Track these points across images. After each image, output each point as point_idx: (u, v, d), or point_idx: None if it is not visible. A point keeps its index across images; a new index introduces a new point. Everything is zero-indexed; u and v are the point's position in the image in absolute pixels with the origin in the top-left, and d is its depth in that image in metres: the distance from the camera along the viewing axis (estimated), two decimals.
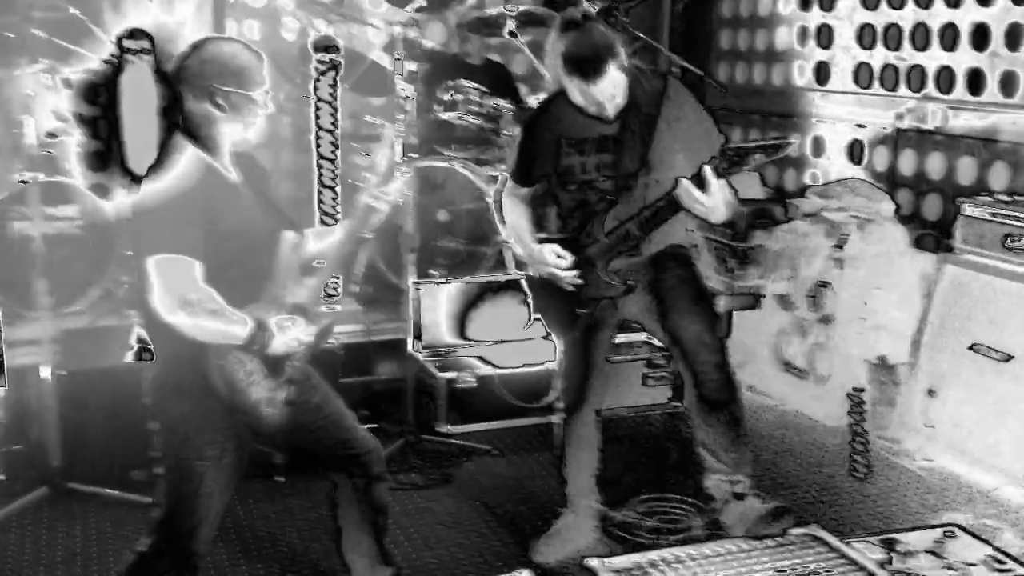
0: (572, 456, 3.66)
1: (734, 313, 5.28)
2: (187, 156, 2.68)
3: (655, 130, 3.29)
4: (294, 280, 2.84)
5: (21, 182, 4.52)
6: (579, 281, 3.38)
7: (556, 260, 3.36)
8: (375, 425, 4.64)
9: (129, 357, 4.24)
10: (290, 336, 2.70)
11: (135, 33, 4.64)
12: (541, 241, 3.47)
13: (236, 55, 2.71)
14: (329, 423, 2.95)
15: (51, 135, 4.68)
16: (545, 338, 4.76)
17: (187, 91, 2.69)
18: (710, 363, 3.37)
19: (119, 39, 4.66)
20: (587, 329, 3.47)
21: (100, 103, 5.04)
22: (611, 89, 3.17)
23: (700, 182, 3.05)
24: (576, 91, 3.20)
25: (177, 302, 2.54)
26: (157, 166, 2.68)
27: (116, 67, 4.70)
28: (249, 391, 2.68)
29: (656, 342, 4.37)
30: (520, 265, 3.63)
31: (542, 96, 3.55)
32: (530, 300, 3.64)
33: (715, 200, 3.08)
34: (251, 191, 2.83)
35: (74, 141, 4.94)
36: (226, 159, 2.76)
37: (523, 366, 4.69)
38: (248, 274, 2.73)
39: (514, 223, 3.51)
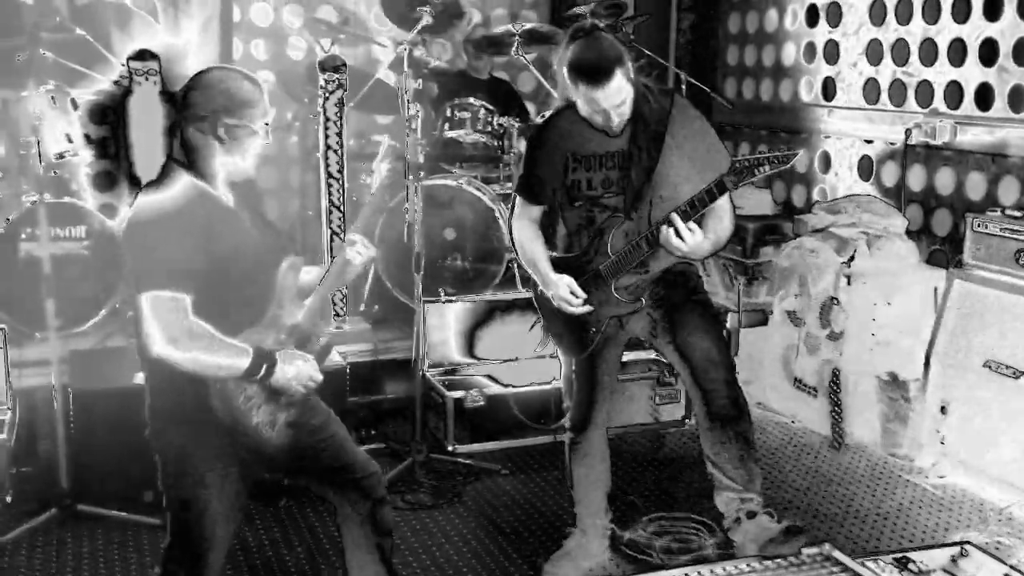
0: (582, 475, 3.63)
1: (742, 330, 5.26)
2: (182, 184, 2.67)
3: (662, 147, 3.29)
4: (292, 302, 2.82)
5: (30, 203, 4.53)
6: (589, 310, 3.37)
7: (569, 296, 3.35)
8: (383, 444, 4.65)
9: (138, 378, 4.23)
10: (294, 372, 2.68)
11: (143, 55, 4.67)
12: (551, 260, 3.45)
13: (239, 87, 2.70)
14: (330, 446, 2.92)
15: (59, 156, 4.69)
16: (553, 356, 4.75)
17: (188, 120, 2.69)
18: (719, 380, 3.37)
19: (128, 61, 4.68)
20: (596, 348, 3.45)
21: (108, 124, 5.07)
22: (617, 97, 3.17)
23: (676, 232, 3.09)
24: (582, 99, 3.20)
25: (169, 338, 2.52)
26: (149, 191, 2.67)
27: (125, 89, 4.72)
28: (250, 415, 2.66)
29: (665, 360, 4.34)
30: (527, 283, 3.62)
31: (548, 113, 3.54)
32: (540, 319, 3.62)
33: (693, 243, 3.11)
34: (248, 214, 2.82)
35: (82, 162, 4.96)
36: (222, 186, 2.75)
37: (531, 385, 4.67)
38: (247, 298, 2.71)
39: (527, 249, 3.49)
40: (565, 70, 3.20)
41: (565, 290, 3.36)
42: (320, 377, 2.76)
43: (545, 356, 4.83)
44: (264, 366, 2.62)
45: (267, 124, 2.76)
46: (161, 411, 2.75)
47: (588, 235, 3.39)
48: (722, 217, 3.27)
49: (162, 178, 2.70)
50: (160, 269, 2.55)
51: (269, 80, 6.13)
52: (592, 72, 3.13)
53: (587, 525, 3.66)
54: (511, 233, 3.55)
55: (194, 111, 2.67)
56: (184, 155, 2.71)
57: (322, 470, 2.92)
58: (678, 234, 3.09)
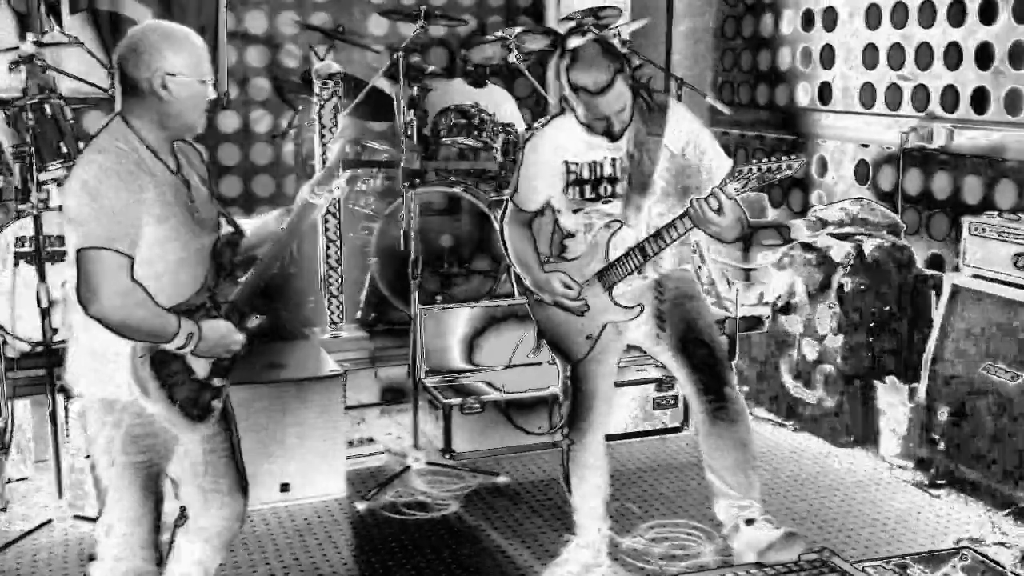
0: (580, 483, 3.62)
1: (739, 335, 5.25)
2: (122, 142, 2.56)
3: (659, 152, 3.29)
4: (227, 277, 2.76)
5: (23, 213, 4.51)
6: (586, 308, 3.36)
7: (563, 290, 3.35)
8: (381, 451, 4.63)
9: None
10: (220, 340, 2.63)
11: None
12: (545, 266, 3.45)
13: (181, 39, 2.61)
14: (224, 458, 2.85)
15: (55, 166, 4.67)
16: (551, 362, 4.75)
17: (132, 73, 2.57)
18: (718, 386, 3.35)
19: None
20: (593, 354, 3.44)
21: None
22: (617, 103, 3.16)
23: (714, 206, 3.05)
24: (582, 106, 3.18)
25: (103, 297, 2.44)
26: (91, 145, 2.58)
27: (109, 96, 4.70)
28: (173, 391, 2.59)
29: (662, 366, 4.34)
30: (524, 290, 3.60)
31: (545, 119, 3.54)
32: (535, 326, 3.61)
33: (728, 219, 3.08)
34: (191, 179, 2.73)
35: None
36: (164, 145, 2.65)
37: (529, 391, 4.66)
38: (180, 268, 2.62)
39: (519, 250, 3.49)
40: (563, 77, 3.19)
41: (558, 284, 3.34)
42: (241, 339, 2.69)
43: (542, 363, 4.83)
44: (189, 334, 2.55)
45: (212, 80, 2.66)
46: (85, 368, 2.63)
47: (585, 242, 3.38)
48: (739, 206, 3.22)
49: (103, 132, 2.60)
50: (96, 226, 2.45)
51: (264, 88, 6.13)
52: (591, 79, 3.12)
53: (585, 532, 3.64)
54: (502, 235, 3.55)
55: (135, 65, 2.56)
56: (126, 111, 2.60)
57: (205, 475, 2.82)
58: (719, 209, 3.03)
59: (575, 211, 3.38)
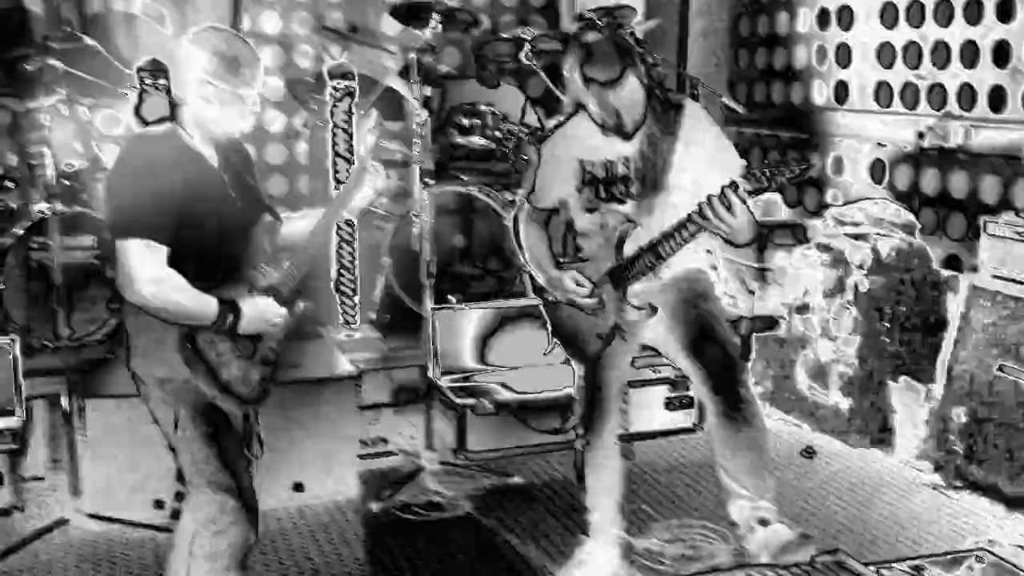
0: (594, 483, 3.61)
1: (754, 335, 5.22)
2: (165, 135, 2.74)
3: (673, 152, 3.27)
4: (269, 263, 2.89)
5: (39, 213, 4.53)
6: (599, 306, 3.34)
7: (576, 288, 3.34)
8: (394, 452, 4.63)
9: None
10: (260, 315, 2.76)
11: (152, 64, 4.67)
12: (559, 265, 3.44)
13: (233, 49, 2.74)
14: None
15: (69, 166, 4.69)
16: (565, 363, 4.74)
17: (175, 77, 2.75)
18: (732, 387, 3.32)
19: (137, 70, 4.68)
20: (606, 354, 3.42)
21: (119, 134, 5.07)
22: (630, 97, 3.15)
23: (726, 204, 3.03)
24: (595, 100, 3.17)
25: (139, 284, 2.61)
26: (137, 138, 2.78)
27: (136, 98, 4.72)
28: (220, 370, 2.74)
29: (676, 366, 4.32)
30: (538, 290, 3.60)
31: (558, 119, 3.54)
32: (548, 326, 3.60)
33: (740, 222, 3.06)
34: (231, 173, 2.87)
35: (93, 172, 4.96)
36: (206, 141, 2.80)
37: (543, 392, 4.64)
38: (222, 255, 2.77)
39: (532, 248, 3.48)
40: (576, 73, 3.18)
41: (571, 283, 3.34)
42: (283, 312, 2.84)
43: (555, 363, 4.81)
44: (230, 315, 2.71)
45: (255, 90, 2.78)
46: (146, 371, 2.80)
47: (599, 242, 3.36)
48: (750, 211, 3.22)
49: (148, 127, 2.80)
50: (137, 218, 2.62)
51: (278, 88, 6.14)
52: (604, 73, 3.11)
53: (599, 533, 3.63)
54: (516, 234, 3.54)
55: (186, 68, 2.71)
56: (171, 108, 2.77)
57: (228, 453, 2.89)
58: (729, 206, 3.00)
59: (589, 211, 3.37)
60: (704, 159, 3.29)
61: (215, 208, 2.77)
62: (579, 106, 3.35)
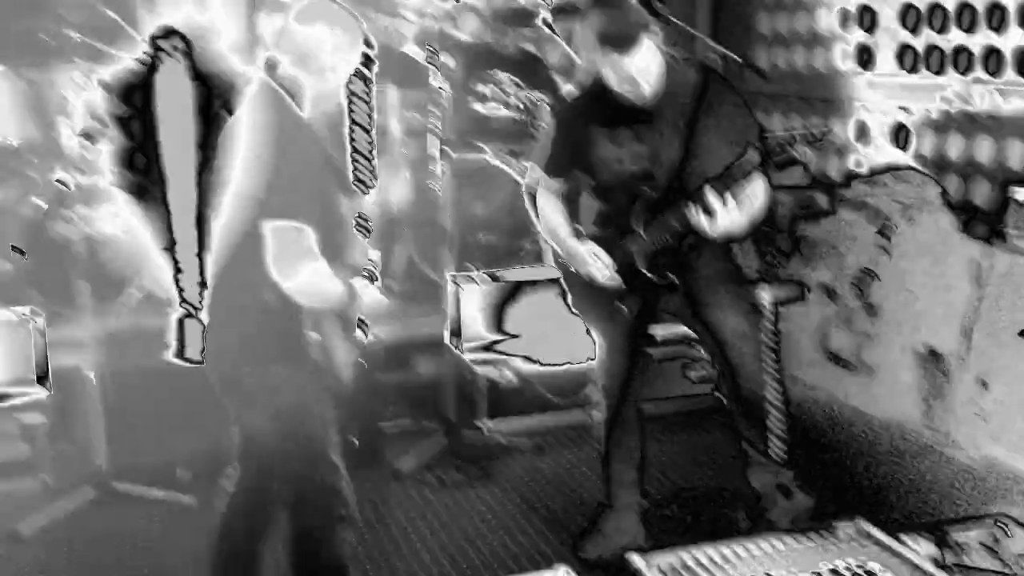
0: (614, 452, 3.61)
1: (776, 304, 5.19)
2: (295, 114, 2.67)
3: (695, 120, 3.23)
4: (352, 238, 2.89)
5: (57, 182, 4.54)
6: (616, 280, 3.32)
7: (595, 261, 3.31)
8: (414, 421, 4.65)
9: (170, 356, 4.25)
10: (371, 297, 2.79)
11: (169, 32, 4.64)
12: (578, 235, 3.42)
13: (339, 27, 2.75)
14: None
15: (87, 136, 4.69)
16: (587, 333, 4.73)
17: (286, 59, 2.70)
18: (750, 355, 3.33)
19: (153, 38, 4.66)
20: (626, 323, 3.40)
21: (134, 103, 5.05)
22: (645, 63, 3.10)
23: (706, 208, 3.01)
24: (610, 67, 3.13)
25: (294, 269, 2.54)
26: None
27: (150, 66, 4.70)
28: (334, 352, 2.73)
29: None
30: (557, 260, 3.57)
31: (575, 89, 3.50)
32: (568, 295, 3.58)
33: (724, 221, 3.02)
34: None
35: (110, 141, 4.95)
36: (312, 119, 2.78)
37: (566, 362, 4.63)
38: (332, 230, 2.72)
39: (550, 220, 3.46)
40: (591, 37, 3.14)
41: (590, 256, 3.32)
42: (384, 300, 2.92)
43: (577, 334, 4.79)
44: (352, 298, 2.71)
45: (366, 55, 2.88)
46: (263, 348, 2.73)
47: (617, 212, 3.34)
48: (756, 195, 3.19)
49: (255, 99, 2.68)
50: (286, 198, 2.55)
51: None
52: (618, 39, 3.07)
53: (619, 501, 3.63)
54: (534, 205, 3.51)
55: (302, 46, 2.67)
56: (281, 80, 2.69)
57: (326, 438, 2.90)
58: (708, 212, 3.00)
59: (606, 181, 3.34)
60: (724, 129, 3.24)
61: (333, 188, 2.76)
62: (596, 76, 3.31)
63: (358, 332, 2.83)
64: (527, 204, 3.56)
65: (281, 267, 2.55)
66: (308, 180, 2.60)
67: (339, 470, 2.78)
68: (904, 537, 3.25)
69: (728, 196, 3.00)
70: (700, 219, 3.04)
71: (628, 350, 3.50)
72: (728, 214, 3.02)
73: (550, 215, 3.45)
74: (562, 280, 3.57)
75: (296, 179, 2.57)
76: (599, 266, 3.32)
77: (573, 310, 3.62)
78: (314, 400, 2.75)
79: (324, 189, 2.69)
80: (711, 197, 3.00)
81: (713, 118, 3.24)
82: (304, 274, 2.56)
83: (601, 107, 3.30)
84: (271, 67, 2.71)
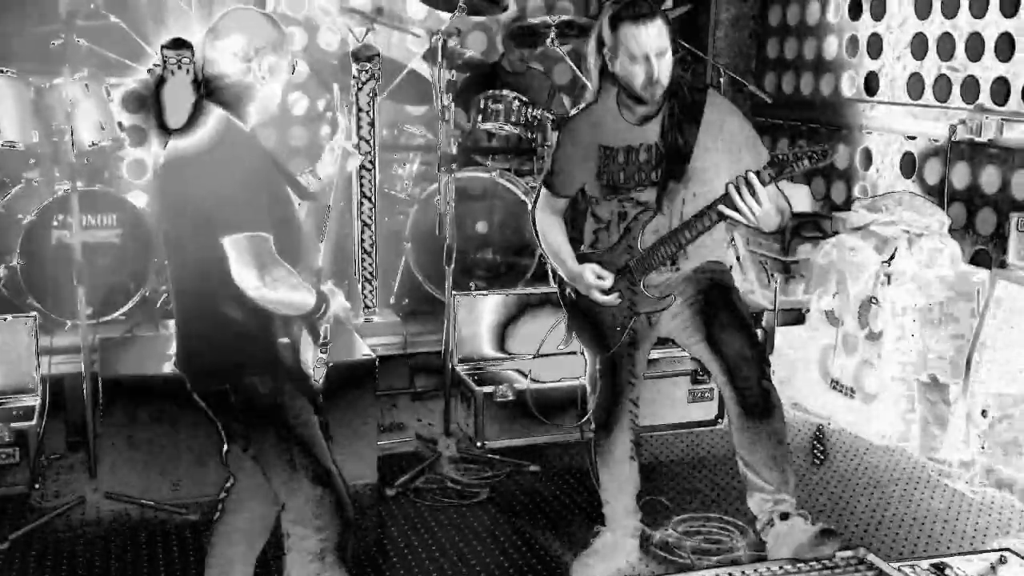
0: (608, 477, 3.57)
1: (778, 328, 5.16)
2: (227, 125, 2.65)
3: (696, 141, 3.22)
4: (314, 244, 2.90)
5: (62, 190, 4.53)
6: (618, 301, 3.31)
7: (596, 281, 3.30)
8: (411, 438, 4.61)
9: (167, 366, 4.22)
10: (338, 304, 2.75)
11: (177, 43, 4.64)
12: (579, 256, 3.40)
13: (271, 24, 2.73)
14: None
15: (92, 144, 4.68)
16: (582, 352, 4.70)
17: (227, 59, 2.67)
18: (752, 379, 3.28)
19: (161, 48, 4.66)
20: (623, 346, 3.38)
21: (143, 112, 5.06)
22: (659, 43, 3.10)
23: (750, 190, 2.99)
24: (622, 47, 3.11)
25: (260, 277, 2.54)
26: (192, 134, 2.65)
27: (159, 77, 4.70)
28: (303, 354, 2.75)
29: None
30: (558, 281, 3.55)
31: (581, 105, 3.50)
32: (566, 317, 3.55)
33: (765, 207, 3.02)
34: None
35: (115, 150, 4.95)
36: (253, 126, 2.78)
37: (563, 380, 4.61)
38: (289, 239, 2.72)
39: (551, 240, 3.44)
40: (606, 22, 3.16)
41: (591, 276, 3.30)
42: (348, 305, 2.84)
43: (576, 352, 4.77)
44: (323, 304, 2.69)
45: (294, 62, 2.79)
46: (238, 363, 2.71)
47: (618, 230, 3.33)
48: (787, 196, 3.22)
49: (198, 120, 2.66)
50: (242, 212, 2.56)
51: (303, 70, 6.11)
52: (634, 7, 3.09)
53: (616, 525, 3.60)
54: (534, 223, 3.50)
55: (236, 49, 2.66)
56: (218, 96, 2.68)
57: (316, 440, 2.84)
58: (752, 191, 2.98)
59: (608, 198, 3.33)
60: (727, 149, 3.24)
61: (285, 193, 2.75)
62: (601, 92, 3.32)
63: (322, 345, 2.80)
64: (530, 222, 3.53)
65: (248, 278, 2.55)
66: (260, 189, 2.61)
67: (333, 475, 2.75)
68: (904, 567, 3.22)
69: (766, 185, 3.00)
70: (746, 197, 3.00)
71: (623, 374, 3.45)
72: (771, 201, 3.02)
73: (550, 234, 3.44)
74: (561, 300, 3.54)
75: (248, 190, 2.58)
76: (601, 285, 3.29)
77: (569, 331, 3.60)
78: (295, 405, 2.73)
79: (277, 195, 2.70)
80: (753, 178, 2.99)
81: (717, 139, 3.24)
82: (272, 282, 2.56)
83: (605, 123, 3.29)
84: (207, 83, 2.70)
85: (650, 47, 3.09)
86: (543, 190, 3.47)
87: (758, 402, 3.27)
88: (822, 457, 4.04)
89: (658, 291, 3.32)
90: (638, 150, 3.26)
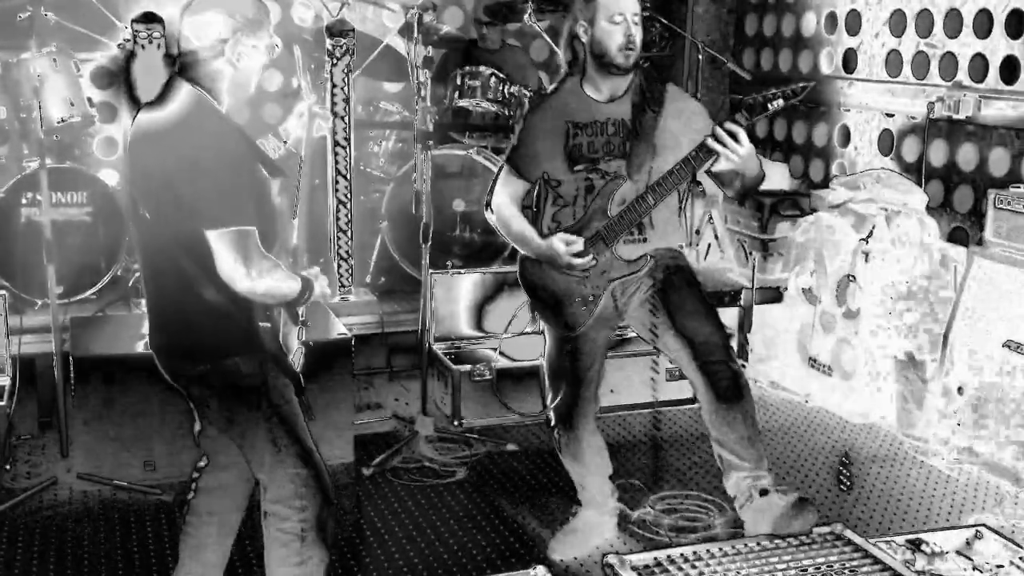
0: (582, 467, 3.58)
1: (756, 307, 5.16)
2: (208, 106, 2.59)
3: (659, 125, 3.28)
4: (288, 221, 2.81)
5: (31, 167, 4.45)
6: (592, 263, 3.28)
7: (566, 248, 3.26)
8: (388, 418, 4.59)
9: (140, 346, 4.17)
10: (320, 290, 2.72)
11: (147, 17, 4.56)
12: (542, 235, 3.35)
13: (252, 6, 2.66)
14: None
15: (61, 121, 4.60)
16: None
17: (204, 45, 2.60)
18: (722, 363, 3.29)
19: (131, 23, 4.58)
20: (589, 327, 3.35)
21: (112, 88, 4.97)
22: (635, 5, 3.20)
23: (730, 133, 3.04)
24: (601, 10, 3.18)
25: (247, 273, 2.51)
26: (166, 110, 2.58)
27: (128, 52, 4.62)
28: (286, 340, 2.71)
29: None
30: (520, 258, 3.48)
31: (549, 87, 3.54)
32: (528, 300, 3.51)
33: (747, 147, 3.06)
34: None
35: (84, 126, 4.86)
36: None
37: (540, 359, 4.57)
38: (266, 221, 2.67)
39: (512, 223, 3.38)
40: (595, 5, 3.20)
41: (560, 244, 3.25)
42: (328, 290, 2.81)
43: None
44: (308, 291, 2.66)
45: (275, 43, 2.71)
46: (218, 344, 2.67)
47: (584, 202, 3.30)
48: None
49: (170, 95, 2.59)
50: (224, 202, 2.50)
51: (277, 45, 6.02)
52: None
53: (594, 506, 3.60)
54: (491, 208, 3.43)
55: (213, 27, 2.59)
56: (191, 73, 2.61)
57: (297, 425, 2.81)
58: (735, 137, 3.02)
59: (576, 171, 3.30)
60: (688, 130, 3.26)
61: (261, 174, 2.69)
62: (569, 72, 3.36)
63: (301, 324, 2.79)
64: (487, 208, 3.46)
65: (235, 274, 2.50)
66: (241, 177, 2.55)
67: (314, 454, 2.71)
68: (880, 543, 3.22)
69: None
70: (727, 142, 3.03)
71: (582, 366, 3.43)
72: (747, 141, 3.04)
73: (510, 217, 3.39)
74: (522, 282, 3.48)
75: (230, 178, 2.52)
76: (572, 250, 3.25)
77: (531, 314, 3.58)
78: (278, 385, 2.69)
79: (254, 178, 2.63)
80: (731, 125, 3.04)
81: (678, 119, 3.29)
82: (259, 276, 2.52)
83: (574, 101, 3.30)
84: (183, 63, 2.63)
85: (627, 8, 3.18)
86: (504, 170, 3.43)
87: (730, 385, 3.27)
88: (848, 484, 4.09)
89: (620, 284, 3.30)
90: (605, 124, 3.29)
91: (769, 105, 3.05)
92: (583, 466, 3.56)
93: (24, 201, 4.49)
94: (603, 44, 3.21)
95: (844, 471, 4.15)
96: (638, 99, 3.29)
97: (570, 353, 3.42)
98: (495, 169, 5.09)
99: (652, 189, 3.21)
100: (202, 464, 2.91)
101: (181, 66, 2.63)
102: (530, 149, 3.36)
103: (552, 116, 3.32)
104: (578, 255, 3.26)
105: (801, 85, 3.06)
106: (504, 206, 3.39)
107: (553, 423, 3.55)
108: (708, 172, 3.24)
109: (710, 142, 3.06)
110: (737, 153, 3.04)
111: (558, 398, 3.48)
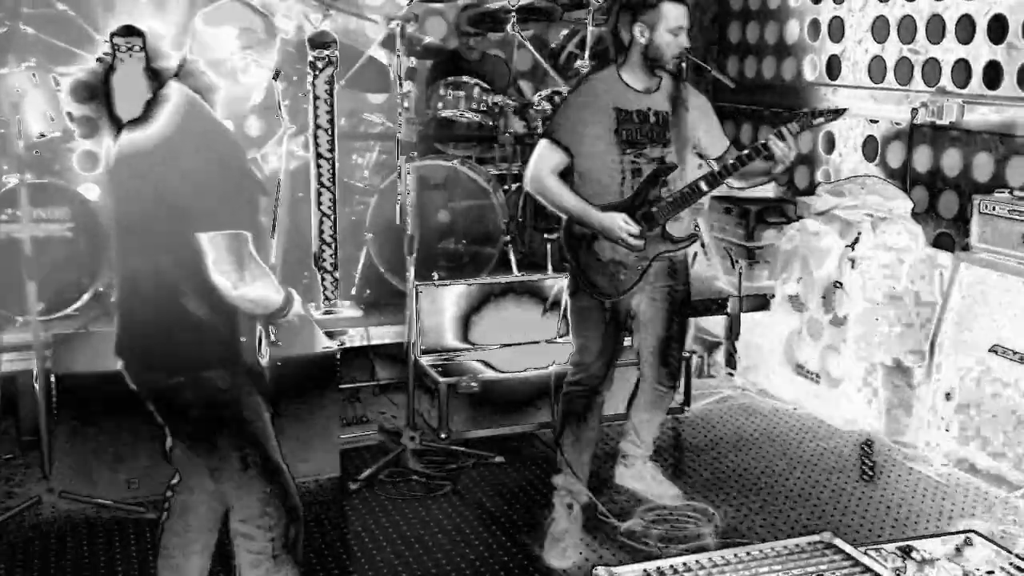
0: (577, 436, 3.69)
1: (743, 314, 5.15)
2: (203, 110, 2.58)
3: (687, 117, 3.65)
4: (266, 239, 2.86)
5: (10, 183, 4.41)
6: (643, 244, 3.50)
7: (628, 226, 3.48)
8: (374, 431, 4.55)
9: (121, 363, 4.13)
10: (297, 305, 2.71)
11: (127, 30, 4.54)
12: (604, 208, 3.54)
13: (255, 22, 2.66)
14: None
15: (40, 135, 4.56)
16: (549, 342, 4.69)
17: (206, 52, 2.60)
18: (676, 358, 3.88)
19: (111, 36, 4.55)
20: (626, 297, 3.63)
21: (93, 103, 4.94)
22: (687, 21, 3.53)
23: (785, 136, 3.43)
24: (663, 22, 3.47)
25: (240, 278, 2.49)
26: (160, 120, 2.56)
27: (108, 66, 4.59)
28: (261, 353, 2.72)
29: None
30: (567, 232, 3.65)
31: (591, 70, 3.92)
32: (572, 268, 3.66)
33: (795, 152, 3.45)
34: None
35: (65, 141, 4.82)
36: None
37: (527, 370, 4.56)
38: (258, 235, 2.66)
39: (564, 197, 3.55)
40: (652, 13, 3.49)
41: (622, 222, 3.48)
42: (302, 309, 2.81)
43: (540, 342, 4.74)
44: (289, 304, 2.66)
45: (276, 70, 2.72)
46: (196, 357, 2.64)
47: (632, 184, 3.54)
48: None
49: (157, 107, 2.57)
50: (220, 204, 2.49)
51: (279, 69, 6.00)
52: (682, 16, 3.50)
53: (571, 499, 3.66)
54: (539, 183, 3.58)
55: (224, 40, 2.59)
56: (192, 81, 2.61)
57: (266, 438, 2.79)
58: (783, 140, 3.41)
59: (627, 152, 3.53)
60: (708, 125, 3.72)
61: (256, 183, 2.70)
62: (603, 63, 3.70)
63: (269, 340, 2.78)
64: (533, 187, 3.62)
65: (227, 278, 2.48)
66: (239, 181, 2.55)
67: (282, 470, 2.69)
68: (870, 551, 3.21)
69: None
70: (790, 141, 3.41)
71: (619, 333, 3.71)
72: (795, 147, 3.45)
73: (564, 192, 3.55)
74: (567, 253, 3.65)
75: (227, 181, 2.51)
76: (631, 230, 3.46)
77: (569, 293, 3.81)
78: (252, 402, 2.66)
79: (251, 187, 2.63)
80: (785, 131, 3.43)
81: (701, 117, 3.70)
82: (251, 282, 2.50)
83: (616, 89, 3.56)
84: (186, 70, 2.61)
85: (684, 22, 3.53)
86: (543, 144, 3.59)
87: (674, 374, 3.90)
88: (871, 473, 4.12)
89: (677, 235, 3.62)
90: (647, 113, 3.58)
91: (814, 121, 3.44)
92: (583, 434, 3.70)
93: (4, 217, 4.44)
94: (661, 50, 3.52)
95: (866, 460, 4.18)
96: (675, 94, 3.63)
97: (610, 327, 3.64)
98: (479, 180, 5.13)
99: (707, 179, 3.51)
100: (175, 482, 2.88)
101: (183, 72, 2.62)
102: (575, 124, 3.56)
103: (596, 99, 3.57)
104: (633, 234, 3.50)
105: (841, 108, 3.53)
106: (551, 179, 3.57)
107: (584, 386, 3.68)
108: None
109: (772, 140, 3.40)
110: (788, 155, 3.42)
111: (593, 364, 3.65)
